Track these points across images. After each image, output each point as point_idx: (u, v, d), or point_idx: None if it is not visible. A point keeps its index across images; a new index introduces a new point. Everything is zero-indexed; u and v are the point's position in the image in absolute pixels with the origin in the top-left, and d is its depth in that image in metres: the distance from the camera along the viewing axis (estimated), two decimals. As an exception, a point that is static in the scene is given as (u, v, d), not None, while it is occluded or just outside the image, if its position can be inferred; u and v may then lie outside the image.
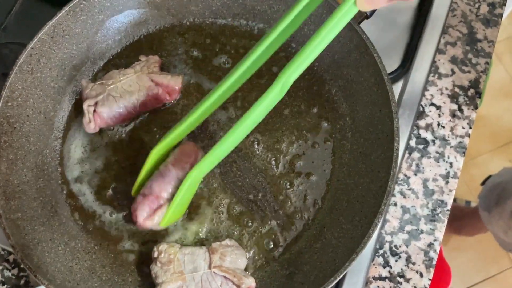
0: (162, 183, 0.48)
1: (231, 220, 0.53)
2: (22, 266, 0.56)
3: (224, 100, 0.47)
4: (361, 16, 0.55)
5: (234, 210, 0.53)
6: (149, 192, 0.48)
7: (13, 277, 0.56)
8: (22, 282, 0.56)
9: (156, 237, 0.52)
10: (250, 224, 0.52)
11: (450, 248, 1.38)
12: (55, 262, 0.49)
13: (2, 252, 0.57)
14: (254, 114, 0.41)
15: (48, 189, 0.53)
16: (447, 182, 0.59)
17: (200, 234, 0.52)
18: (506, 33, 1.65)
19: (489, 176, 1.08)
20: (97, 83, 0.54)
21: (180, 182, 0.47)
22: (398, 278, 0.56)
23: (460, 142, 0.61)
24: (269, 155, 0.55)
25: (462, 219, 1.33)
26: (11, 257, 0.57)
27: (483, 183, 1.09)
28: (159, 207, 0.48)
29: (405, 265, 0.56)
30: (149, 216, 0.48)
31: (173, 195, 0.47)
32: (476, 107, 0.63)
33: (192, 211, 0.53)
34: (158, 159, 0.50)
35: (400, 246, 0.57)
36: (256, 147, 0.55)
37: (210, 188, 0.54)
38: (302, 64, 0.41)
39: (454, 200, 1.43)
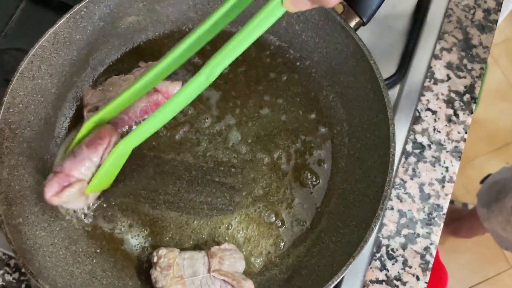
0: (74, 162, 0.49)
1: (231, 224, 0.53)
2: (23, 270, 0.57)
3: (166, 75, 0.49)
4: (358, 24, 0.56)
5: (234, 215, 0.54)
6: (60, 170, 0.49)
7: (14, 281, 0.57)
8: (23, 286, 0.57)
9: (156, 242, 0.52)
10: (248, 228, 0.53)
11: (448, 250, 1.39)
12: (56, 267, 0.49)
13: (3, 257, 0.58)
14: (177, 100, 0.44)
15: (49, 194, 0.53)
16: (443, 187, 0.60)
17: (200, 238, 0.53)
18: (503, 36, 1.66)
19: (489, 175, 1.09)
20: (97, 89, 0.55)
21: (91, 162, 0.48)
22: (395, 282, 0.56)
23: (456, 147, 0.62)
24: (268, 160, 0.56)
25: (459, 221, 1.33)
26: (12, 262, 0.58)
27: (482, 182, 1.10)
28: (68, 185, 0.48)
29: (401, 269, 0.57)
30: (57, 193, 0.48)
31: (83, 175, 0.48)
32: (471, 112, 0.63)
33: (187, 214, 0.53)
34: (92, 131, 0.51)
35: (397, 250, 0.58)
36: (254, 152, 0.56)
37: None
38: (227, 57, 0.43)
39: (452, 202, 1.44)
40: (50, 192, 0.48)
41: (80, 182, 0.48)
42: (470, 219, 1.28)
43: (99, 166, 0.49)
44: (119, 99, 0.48)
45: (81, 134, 0.50)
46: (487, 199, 1.02)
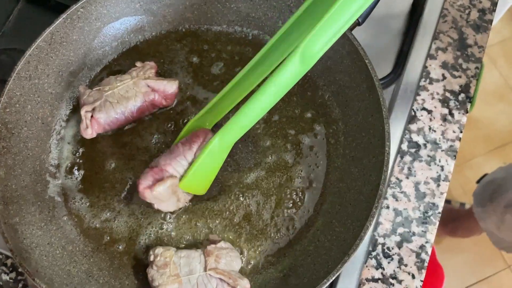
0: (168, 158, 0.49)
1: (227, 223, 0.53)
2: (20, 270, 0.57)
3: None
4: (353, 24, 0.56)
5: (229, 213, 0.54)
6: (155, 164, 0.50)
7: (11, 281, 0.57)
8: (20, 286, 0.57)
9: (153, 241, 0.53)
10: (244, 227, 0.53)
11: (445, 249, 1.40)
12: (52, 266, 0.49)
13: (0, 256, 0.58)
14: (269, 90, 0.41)
15: (45, 194, 0.54)
16: (438, 185, 0.60)
17: (196, 236, 0.53)
18: (500, 36, 1.67)
19: (485, 175, 1.09)
20: (94, 89, 0.55)
21: (185, 159, 0.49)
22: (390, 280, 0.57)
23: (451, 146, 0.62)
24: (263, 159, 0.56)
25: (457, 221, 1.34)
26: (9, 261, 0.58)
27: (478, 181, 1.10)
28: (161, 179, 0.48)
29: (397, 267, 0.57)
30: (150, 186, 0.48)
31: (176, 171, 0.49)
32: (466, 112, 0.64)
33: (187, 212, 0.54)
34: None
35: (392, 248, 0.58)
36: (251, 150, 0.56)
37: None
38: (326, 28, 0.35)
39: (449, 202, 1.44)
40: (143, 184, 0.48)
41: (172, 178, 0.48)
42: (467, 219, 1.28)
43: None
44: (213, 102, 0.49)
45: (181, 135, 0.52)
46: (482, 198, 1.02)
